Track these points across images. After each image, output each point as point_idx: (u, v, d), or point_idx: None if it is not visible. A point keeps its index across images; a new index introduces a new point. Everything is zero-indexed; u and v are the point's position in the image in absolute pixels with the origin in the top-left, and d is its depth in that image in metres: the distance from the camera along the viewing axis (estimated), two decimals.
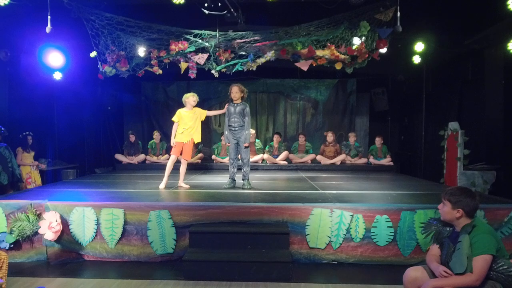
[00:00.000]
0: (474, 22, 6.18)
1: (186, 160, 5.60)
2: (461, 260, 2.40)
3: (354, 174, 7.76)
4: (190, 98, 5.52)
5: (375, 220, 4.01)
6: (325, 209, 4.05)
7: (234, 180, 5.64)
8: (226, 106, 5.62)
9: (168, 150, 8.77)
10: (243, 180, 5.58)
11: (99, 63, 6.41)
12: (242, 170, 5.60)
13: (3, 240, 4.12)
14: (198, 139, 5.61)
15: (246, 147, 5.50)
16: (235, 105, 5.51)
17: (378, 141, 8.88)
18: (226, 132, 5.58)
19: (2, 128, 5.95)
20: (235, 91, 5.48)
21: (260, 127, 10.41)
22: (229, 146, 5.61)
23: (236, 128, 5.48)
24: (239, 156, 5.64)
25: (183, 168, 5.60)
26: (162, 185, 5.43)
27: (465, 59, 7.12)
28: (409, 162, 9.18)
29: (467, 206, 2.49)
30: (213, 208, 4.12)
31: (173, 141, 5.50)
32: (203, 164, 8.84)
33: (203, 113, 5.63)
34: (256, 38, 6.16)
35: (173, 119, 5.51)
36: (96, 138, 9.75)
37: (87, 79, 8.35)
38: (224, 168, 5.91)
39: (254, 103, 10.36)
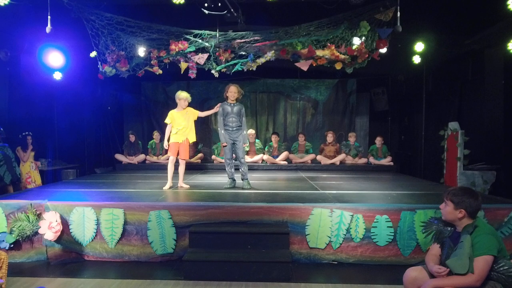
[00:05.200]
0: (474, 22, 6.17)
1: (184, 159, 5.60)
2: (462, 261, 2.39)
3: (354, 174, 7.76)
4: (182, 101, 5.51)
5: (375, 220, 4.01)
6: (325, 209, 4.05)
7: (234, 180, 5.64)
8: (218, 105, 5.58)
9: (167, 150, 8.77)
10: (242, 180, 5.58)
11: (99, 63, 6.41)
12: (240, 170, 5.59)
13: (3, 240, 4.12)
14: (193, 138, 5.61)
15: (243, 147, 5.52)
16: (232, 105, 5.49)
17: (378, 141, 8.89)
18: (222, 131, 5.52)
19: (1, 128, 5.96)
20: (234, 91, 5.46)
21: (260, 127, 10.41)
22: (225, 146, 5.52)
23: (234, 128, 5.47)
24: (234, 156, 5.64)
25: (181, 168, 5.61)
26: (166, 187, 5.43)
27: (465, 59, 7.12)
28: (409, 162, 9.18)
29: (469, 207, 2.48)
30: (213, 208, 4.12)
31: (166, 144, 5.51)
32: (203, 164, 8.84)
33: (195, 113, 5.63)
34: (256, 38, 6.16)
35: (166, 121, 5.50)
36: (96, 138, 9.75)
37: (87, 79, 8.35)
38: (224, 168, 5.92)
39: (254, 103, 10.37)
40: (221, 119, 5.51)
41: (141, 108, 10.50)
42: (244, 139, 5.51)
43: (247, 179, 5.55)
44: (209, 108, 10.27)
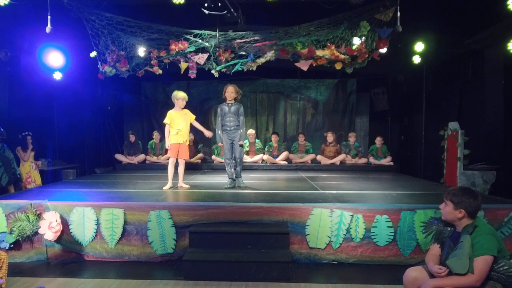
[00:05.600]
0: (474, 22, 6.18)
1: (184, 159, 5.60)
2: (462, 261, 2.39)
3: (354, 174, 7.76)
4: (180, 100, 5.49)
5: (375, 220, 4.01)
6: (325, 209, 4.05)
7: (234, 180, 5.67)
8: (209, 133, 5.66)
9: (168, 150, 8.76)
10: (236, 178, 5.67)
11: (99, 63, 6.41)
12: (236, 169, 5.67)
13: (3, 240, 4.12)
14: (187, 141, 5.62)
15: (241, 146, 5.58)
16: (229, 104, 5.54)
17: (378, 141, 8.89)
18: (219, 132, 5.59)
19: (1, 129, 5.96)
20: (231, 91, 5.50)
21: (260, 127, 10.41)
22: (221, 146, 5.64)
23: (232, 128, 5.52)
24: (234, 156, 5.70)
25: (181, 168, 5.61)
26: (167, 187, 5.44)
27: (465, 59, 7.12)
28: (409, 162, 9.18)
29: (469, 207, 2.48)
30: (213, 208, 4.12)
31: (168, 144, 5.47)
32: (203, 164, 8.84)
33: (192, 117, 5.62)
34: (256, 38, 6.16)
35: (165, 121, 5.45)
36: (96, 138, 9.76)
37: (87, 79, 8.35)
38: (224, 168, 5.96)
39: (254, 103, 10.37)
40: (219, 120, 5.58)
41: (141, 108, 10.50)
42: (241, 137, 5.57)
43: (241, 177, 5.68)
44: (209, 108, 10.34)
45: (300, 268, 3.85)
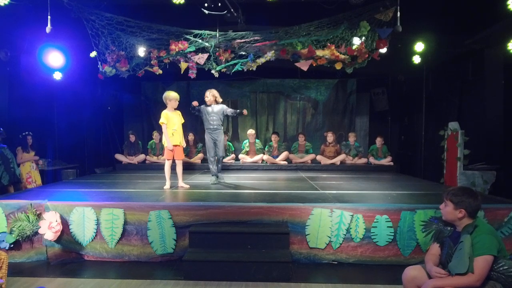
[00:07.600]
0: (474, 22, 6.17)
1: (180, 160, 5.59)
2: (462, 261, 2.39)
3: (354, 174, 7.76)
4: (173, 101, 5.47)
5: (375, 220, 4.02)
6: (325, 209, 4.05)
7: (217, 176, 5.97)
8: (170, 145, 5.41)
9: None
10: (214, 175, 5.94)
11: (99, 63, 6.40)
12: (216, 166, 5.94)
13: (3, 240, 4.12)
14: (182, 142, 5.59)
15: (245, 114, 6.18)
16: (212, 106, 5.88)
17: (378, 141, 8.89)
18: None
19: (1, 129, 5.96)
20: (206, 95, 5.95)
21: (260, 127, 10.40)
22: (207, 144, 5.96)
23: (215, 126, 5.83)
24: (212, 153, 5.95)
25: (179, 169, 5.62)
26: (166, 186, 5.45)
27: (465, 59, 7.11)
28: (409, 162, 9.18)
29: (469, 207, 2.49)
30: (213, 208, 4.12)
31: (170, 145, 5.36)
32: (203, 164, 8.84)
33: (182, 118, 5.64)
34: (256, 38, 6.16)
35: (161, 121, 5.37)
36: (96, 138, 9.75)
37: (87, 79, 8.35)
38: (224, 168, 6.00)
39: (254, 103, 10.36)
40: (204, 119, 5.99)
41: (141, 108, 10.49)
42: (234, 111, 6.06)
43: (216, 175, 5.96)
44: None
45: (300, 268, 3.85)
